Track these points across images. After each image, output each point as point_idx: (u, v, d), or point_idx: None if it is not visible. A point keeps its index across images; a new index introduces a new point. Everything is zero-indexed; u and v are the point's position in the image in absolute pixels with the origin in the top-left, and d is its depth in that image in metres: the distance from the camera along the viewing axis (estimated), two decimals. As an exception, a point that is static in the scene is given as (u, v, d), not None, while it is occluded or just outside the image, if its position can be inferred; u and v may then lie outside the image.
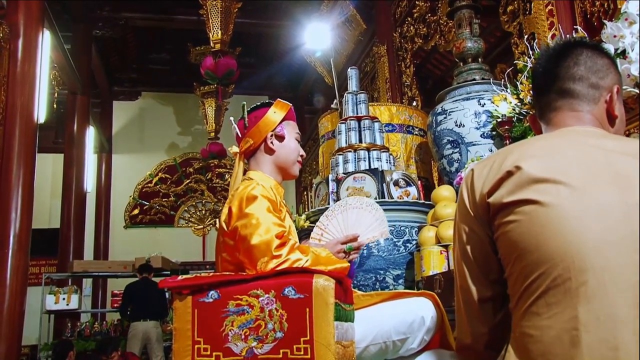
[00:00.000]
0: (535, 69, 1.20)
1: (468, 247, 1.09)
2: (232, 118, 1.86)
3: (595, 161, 0.98)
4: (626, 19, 2.33)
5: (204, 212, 10.99)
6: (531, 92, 1.21)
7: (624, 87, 2.32)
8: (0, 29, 5.06)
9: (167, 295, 6.35)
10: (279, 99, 1.85)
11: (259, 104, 1.83)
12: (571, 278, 0.90)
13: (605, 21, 2.50)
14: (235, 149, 1.83)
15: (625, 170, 0.95)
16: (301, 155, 1.83)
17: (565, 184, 0.95)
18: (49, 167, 9.44)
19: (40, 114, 5.39)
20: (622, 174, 0.95)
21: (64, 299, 6.80)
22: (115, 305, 7.33)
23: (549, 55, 1.16)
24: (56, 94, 7.35)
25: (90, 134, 9.13)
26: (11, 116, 4.91)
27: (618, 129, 1.12)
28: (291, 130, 1.81)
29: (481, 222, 1.06)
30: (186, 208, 10.99)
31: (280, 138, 1.77)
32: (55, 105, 7.33)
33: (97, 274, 7.76)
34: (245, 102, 1.84)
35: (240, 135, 1.79)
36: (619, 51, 2.36)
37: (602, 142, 1.02)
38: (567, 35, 2.93)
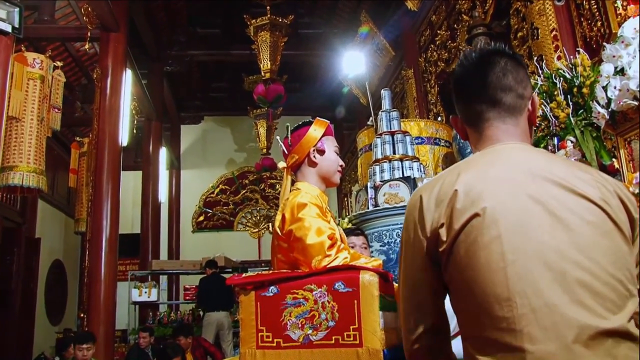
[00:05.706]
0: (461, 74, 1.03)
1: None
2: (278, 137, 1.86)
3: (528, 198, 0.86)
4: (622, 42, 2.30)
5: (258, 217, 11.10)
6: (455, 95, 1.05)
7: (624, 100, 2.25)
8: (94, 72, 5.32)
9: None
10: (317, 118, 1.82)
11: (300, 123, 1.81)
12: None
13: (605, 44, 2.44)
14: (283, 164, 1.82)
15: (559, 210, 0.85)
16: (341, 165, 1.80)
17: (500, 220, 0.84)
18: (130, 182, 9.58)
19: (124, 138, 5.61)
20: (557, 214, 0.84)
21: (145, 292, 6.98)
22: (187, 298, 7.46)
23: (475, 62, 1.01)
24: (135, 121, 7.56)
25: (163, 154, 9.38)
26: (101, 141, 5.15)
27: (530, 133, 1.04)
28: (330, 144, 1.78)
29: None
30: (243, 214, 11.11)
31: (321, 152, 1.75)
32: (134, 131, 7.56)
33: (171, 271, 7.94)
34: (289, 124, 1.83)
35: (286, 152, 1.78)
36: (617, 69, 2.30)
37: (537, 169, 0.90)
38: (570, 57, 2.83)
